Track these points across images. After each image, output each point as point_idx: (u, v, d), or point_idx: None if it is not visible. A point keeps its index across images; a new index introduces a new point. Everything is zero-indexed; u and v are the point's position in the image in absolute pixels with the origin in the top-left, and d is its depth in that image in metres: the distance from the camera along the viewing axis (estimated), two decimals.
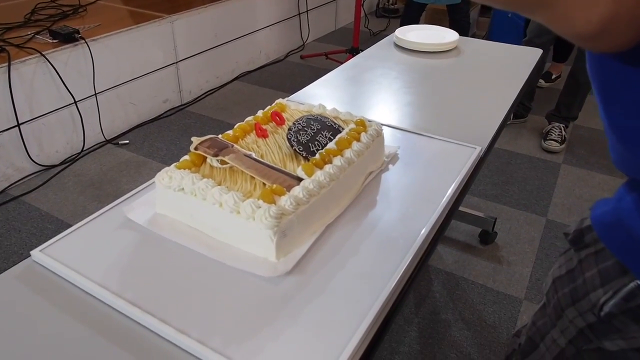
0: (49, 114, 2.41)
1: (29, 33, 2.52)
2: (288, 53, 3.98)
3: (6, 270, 0.76)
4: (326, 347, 0.63)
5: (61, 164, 2.51)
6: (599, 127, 3.00)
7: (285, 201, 0.76)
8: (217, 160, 0.85)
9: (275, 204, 0.76)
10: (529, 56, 1.63)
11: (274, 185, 0.78)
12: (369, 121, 1.00)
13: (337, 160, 0.86)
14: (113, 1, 3.21)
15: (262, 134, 0.95)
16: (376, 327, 0.68)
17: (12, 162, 2.32)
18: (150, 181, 0.90)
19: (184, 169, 0.84)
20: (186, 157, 0.87)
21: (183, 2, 3.26)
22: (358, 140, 0.93)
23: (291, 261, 0.75)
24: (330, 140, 0.93)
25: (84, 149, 2.61)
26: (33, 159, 2.39)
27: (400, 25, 3.62)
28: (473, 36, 4.38)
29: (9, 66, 2.19)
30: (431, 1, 3.26)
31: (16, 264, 0.77)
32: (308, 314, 0.68)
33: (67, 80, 2.43)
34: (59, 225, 2.12)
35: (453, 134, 1.13)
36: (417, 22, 3.53)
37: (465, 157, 1.03)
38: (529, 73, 1.47)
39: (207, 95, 3.29)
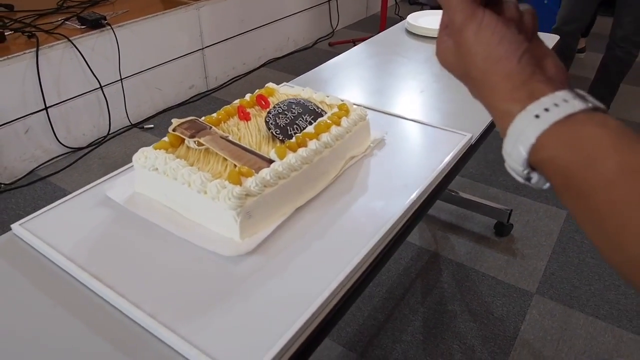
0: (76, 98, 2.49)
1: (59, 19, 2.60)
2: (317, 40, 3.98)
3: None
4: (274, 324, 0.64)
5: (88, 146, 2.59)
6: (633, 118, 2.88)
7: (251, 182, 0.77)
8: (194, 141, 0.87)
9: (241, 185, 0.76)
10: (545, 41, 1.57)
11: (240, 168, 0.79)
12: (355, 106, 1.00)
13: (312, 144, 0.86)
14: None
15: (245, 117, 0.96)
16: (329, 308, 0.68)
17: (40, 144, 2.41)
18: (132, 164, 0.92)
19: (161, 149, 0.85)
20: (165, 138, 0.89)
21: None
22: (338, 124, 0.92)
23: (254, 242, 0.76)
24: (311, 124, 0.93)
25: (110, 132, 2.68)
26: (61, 141, 2.47)
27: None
28: None
29: (37, 51, 2.27)
30: None
31: None
32: (262, 293, 0.69)
33: (94, 65, 2.49)
34: None
35: (447, 122, 1.11)
36: None
37: (452, 145, 1.01)
38: None
39: (233, 82, 3.32)
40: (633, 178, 0.33)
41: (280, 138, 0.89)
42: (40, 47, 2.29)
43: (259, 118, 0.97)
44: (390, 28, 1.77)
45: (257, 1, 3.37)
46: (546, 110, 0.37)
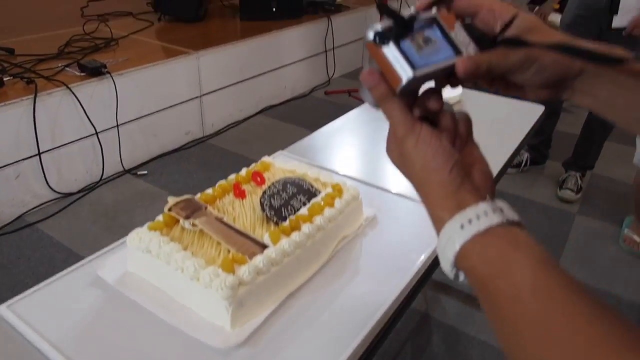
0: (70, 144, 2.50)
1: (59, 65, 2.63)
2: (313, 88, 4.04)
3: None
4: None
5: (79, 192, 2.58)
6: (616, 176, 2.93)
7: (244, 271, 0.77)
8: (189, 222, 0.87)
9: (234, 273, 0.77)
10: (530, 112, 1.61)
11: (234, 254, 0.79)
12: (349, 183, 1.01)
13: (306, 228, 0.87)
14: (144, 35, 3.32)
15: (240, 195, 0.97)
16: None
17: (30, 189, 2.40)
18: (124, 239, 0.92)
19: (155, 231, 0.86)
20: (160, 217, 0.89)
21: (213, 37, 3.36)
22: (332, 206, 0.93)
23: (245, 332, 0.76)
24: (305, 204, 0.94)
25: (103, 178, 2.68)
26: (52, 186, 2.46)
27: None
28: None
29: (34, 98, 2.29)
30: None
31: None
32: None
33: (90, 112, 2.51)
34: (68, 255, 2.18)
35: None
36: None
37: None
38: (526, 132, 1.45)
39: (229, 128, 3.35)
40: (534, 297, 0.38)
41: (275, 220, 0.89)
42: (38, 94, 2.31)
43: (254, 196, 0.98)
44: None
45: (257, 50, 3.43)
46: (469, 221, 0.43)
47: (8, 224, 2.33)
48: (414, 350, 1.82)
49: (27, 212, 2.40)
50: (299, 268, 0.86)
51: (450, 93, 1.68)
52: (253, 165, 1.09)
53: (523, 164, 2.94)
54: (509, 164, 1.36)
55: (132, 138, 2.79)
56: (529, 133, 1.48)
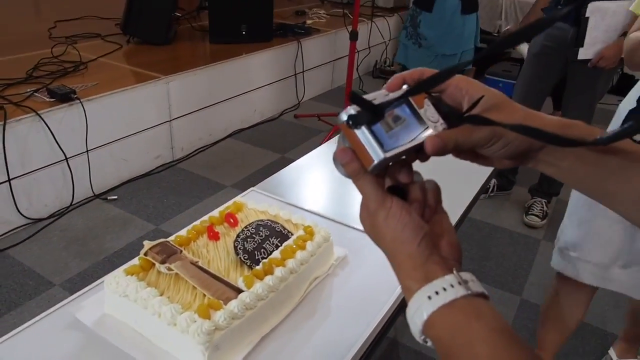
0: (40, 170, 2.49)
1: (28, 90, 2.61)
2: (282, 111, 4.09)
3: None
4: None
5: (49, 217, 2.57)
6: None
7: (219, 316, 0.81)
8: (165, 267, 0.91)
9: (210, 318, 0.80)
10: None
11: (209, 299, 0.83)
12: (320, 223, 1.06)
13: (279, 271, 0.91)
14: (113, 59, 3.33)
15: (214, 237, 1.01)
16: None
17: (0, 215, 2.38)
18: (102, 279, 0.95)
19: (132, 275, 0.89)
20: (135, 261, 0.93)
21: (182, 61, 3.38)
22: (304, 248, 0.98)
23: None
24: (277, 247, 0.98)
25: (73, 203, 2.67)
26: (22, 212, 2.45)
27: None
28: None
29: (4, 125, 2.28)
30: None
31: None
32: None
33: (60, 138, 2.51)
34: (39, 282, 2.16)
35: None
36: None
37: None
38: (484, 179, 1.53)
39: (198, 152, 3.37)
40: None
41: (248, 264, 0.93)
42: (7, 121, 2.30)
43: (227, 237, 1.02)
44: None
45: (226, 75, 3.47)
46: (436, 293, 0.46)
47: None
48: None
49: None
50: (273, 311, 0.90)
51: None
52: (226, 205, 1.13)
53: (490, 190, 3.05)
54: (478, 195, 1.44)
55: (102, 163, 2.79)
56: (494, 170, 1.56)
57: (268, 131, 3.79)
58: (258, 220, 1.04)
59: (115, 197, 2.80)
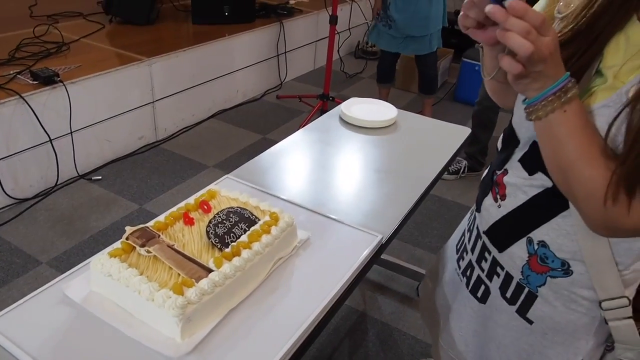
0: (25, 151, 2.57)
1: (11, 72, 2.68)
2: (265, 92, 4.18)
3: None
4: None
5: (34, 197, 2.66)
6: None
7: (192, 293, 0.93)
8: (144, 250, 1.02)
9: (183, 294, 0.93)
10: (457, 135, 1.82)
11: (183, 278, 0.96)
12: (283, 213, 1.18)
13: (245, 253, 1.04)
14: (96, 39, 3.38)
15: (189, 222, 1.13)
16: None
17: None
18: (88, 260, 1.06)
19: (115, 257, 1.01)
20: (118, 244, 1.04)
21: (165, 43, 3.44)
22: (268, 233, 1.10)
23: (193, 342, 0.92)
24: (245, 231, 1.10)
25: (58, 183, 2.76)
26: (7, 192, 2.54)
27: (378, 71, 3.77)
28: (444, 83, 4.61)
29: None
30: (397, 51, 3.47)
31: None
32: None
33: (44, 120, 2.59)
34: (26, 260, 2.27)
35: (364, 221, 1.31)
36: (393, 69, 3.74)
37: (365, 245, 1.21)
38: (450, 155, 1.66)
39: (182, 133, 3.46)
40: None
41: (219, 247, 1.05)
42: None
43: (201, 223, 1.14)
44: (329, 112, 1.97)
45: (209, 56, 3.55)
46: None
47: None
48: (351, 345, 2.02)
49: None
50: (239, 287, 1.03)
51: (385, 115, 1.87)
52: (201, 193, 1.25)
53: (461, 171, 3.21)
54: (440, 175, 1.57)
55: (86, 144, 2.88)
56: (457, 151, 1.70)
57: (250, 112, 3.88)
58: (229, 207, 1.16)
59: (100, 177, 2.90)
